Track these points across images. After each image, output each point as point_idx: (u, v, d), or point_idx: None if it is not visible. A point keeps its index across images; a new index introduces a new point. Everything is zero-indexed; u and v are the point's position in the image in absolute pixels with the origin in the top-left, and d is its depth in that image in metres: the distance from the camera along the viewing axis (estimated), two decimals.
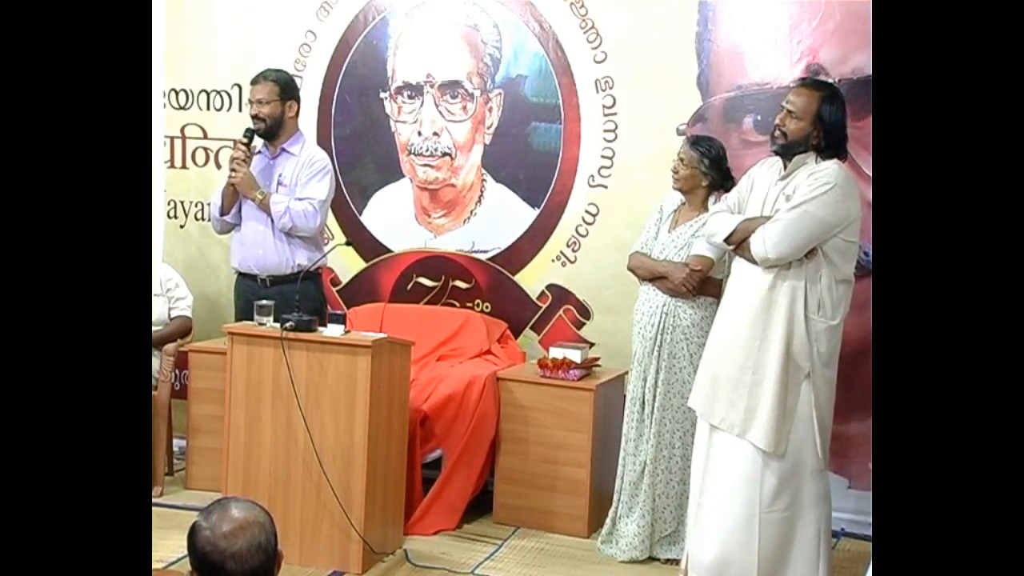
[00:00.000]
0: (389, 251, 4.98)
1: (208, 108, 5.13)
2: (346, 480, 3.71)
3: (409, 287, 4.94)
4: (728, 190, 3.81)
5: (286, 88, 4.32)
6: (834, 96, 3.42)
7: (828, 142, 3.39)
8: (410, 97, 4.89)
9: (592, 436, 4.16)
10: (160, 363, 4.53)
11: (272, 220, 4.25)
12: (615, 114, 4.55)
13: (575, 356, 4.25)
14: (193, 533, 1.92)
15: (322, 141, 4.85)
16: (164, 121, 5.04)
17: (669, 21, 4.43)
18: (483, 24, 4.76)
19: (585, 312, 4.68)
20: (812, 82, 3.58)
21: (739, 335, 3.40)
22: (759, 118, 4.28)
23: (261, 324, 3.88)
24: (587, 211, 4.63)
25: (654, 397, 3.92)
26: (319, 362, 3.74)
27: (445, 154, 4.86)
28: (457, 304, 4.86)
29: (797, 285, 3.34)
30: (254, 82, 4.33)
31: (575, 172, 4.64)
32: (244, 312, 4.26)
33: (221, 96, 5.10)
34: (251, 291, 4.31)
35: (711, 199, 3.95)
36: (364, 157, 5.00)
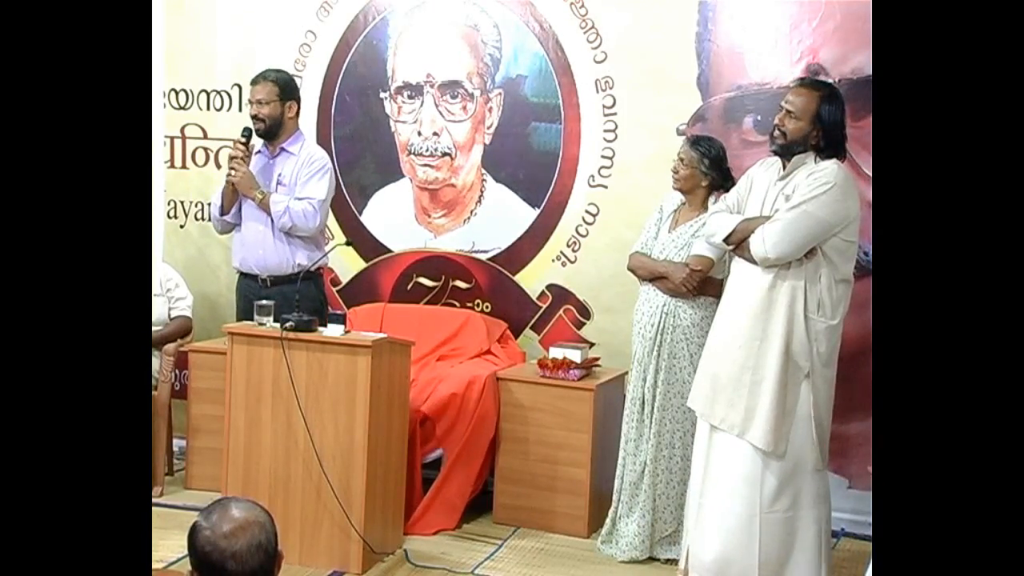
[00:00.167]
0: (389, 251, 4.98)
1: (208, 108, 5.13)
2: (346, 480, 3.71)
3: (409, 287, 4.94)
4: (728, 190, 3.81)
5: (286, 88, 4.32)
6: (833, 96, 3.42)
7: (827, 142, 3.39)
8: (410, 97, 4.89)
9: (592, 436, 4.16)
10: (160, 363, 4.53)
11: (272, 220, 4.25)
12: (615, 114, 4.55)
13: (575, 356, 4.25)
14: (193, 533, 1.92)
15: (322, 141, 4.85)
16: (164, 121, 5.04)
17: (669, 21, 4.43)
18: (483, 24, 4.76)
19: (585, 312, 4.68)
20: (811, 82, 3.58)
21: (739, 335, 3.40)
22: (759, 118, 4.28)
23: (261, 324, 3.88)
24: (587, 211, 4.63)
25: (654, 397, 3.92)
26: (319, 362, 3.74)
27: (445, 154, 4.86)
28: (457, 304, 4.86)
29: (797, 285, 3.34)
30: (254, 82, 4.33)
31: (575, 172, 4.64)
32: (245, 312, 4.26)
33: (221, 96, 5.10)
34: (252, 291, 4.31)
35: (711, 199, 3.95)
36: (364, 157, 5.00)
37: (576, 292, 4.69)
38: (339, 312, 4.05)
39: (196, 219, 5.18)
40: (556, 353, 4.29)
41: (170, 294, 4.77)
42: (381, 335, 3.86)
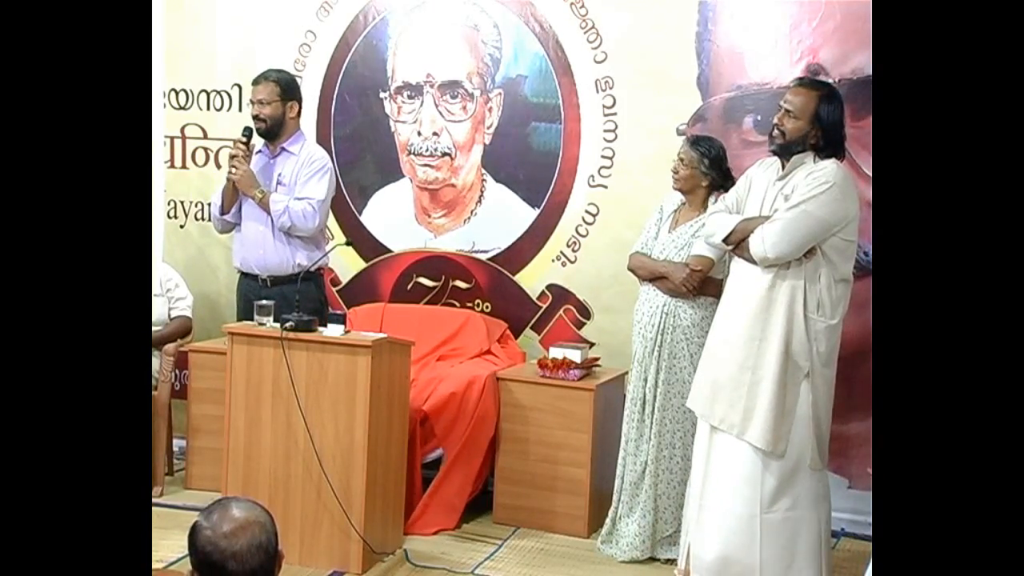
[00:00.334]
0: (389, 251, 4.98)
1: (208, 108, 5.13)
2: (346, 480, 3.71)
3: (409, 287, 4.94)
4: (728, 190, 3.81)
5: (287, 88, 4.32)
6: (832, 95, 3.42)
7: (826, 141, 3.39)
8: (410, 97, 4.89)
9: (592, 436, 4.16)
10: (160, 363, 4.53)
11: (272, 220, 4.25)
12: (615, 114, 4.55)
13: (575, 356, 4.25)
14: (194, 533, 1.92)
15: (322, 141, 4.85)
16: (164, 121, 5.04)
17: (669, 21, 4.43)
18: (483, 24, 4.76)
19: (585, 312, 4.68)
20: (810, 81, 3.58)
21: (738, 335, 3.40)
22: (759, 118, 4.28)
23: (261, 324, 3.88)
24: (587, 211, 4.63)
25: (654, 397, 3.92)
26: (319, 362, 3.74)
27: (445, 154, 4.86)
28: (457, 304, 4.87)
29: (796, 285, 3.34)
30: (255, 82, 4.33)
31: (575, 172, 4.64)
32: (245, 312, 4.26)
33: (221, 96, 5.10)
34: (252, 291, 4.31)
35: (711, 199, 3.95)
36: (364, 157, 5.00)
37: (576, 292, 4.69)
38: (339, 312, 4.05)
39: (196, 219, 5.18)
40: (556, 353, 4.29)
41: (170, 294, 4.77)
42: (381, 335, 3.86)
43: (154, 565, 2.88)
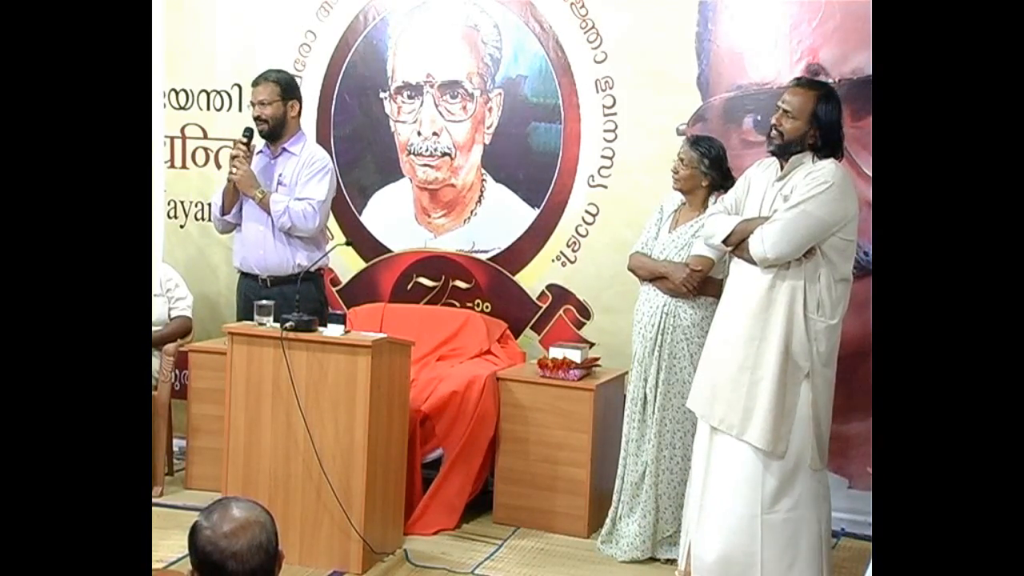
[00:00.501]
0: (389, 251, 4.98)
1: (208, 108, 5.13)
2: (346, 480, 3.71)
3: (409, 287, 4.94)
4: (728, 190, 3.81)
5: (287, 88, 4.32)
6: (829, 95, 3.42)
7: (824, 141, 3.39)
8: (410, 97, 4.89)
9: (592, 436, 4.16)
10: (160, 363, 4.53)
11: (273, 220, 4.25)
12: (615, 114, 4.55)
13: (575, 356, 4.25)
14: (194, 533, 1.92)
15: (322, 141, 4.85)
16: (164, 121, 5.04)
17: (669, 21, 4.43)
18: (483, 24, 4.76)
19: (585, 312, 4.68)
20: (807, 82, 3.58)
21: (738, 335, 3.40)
22: (759, 118, 4.27)
23: (261, 324, 3.88)
24: (587, 211, 4.63)
25: (655, 397, 3.92)
26: (319, 362, 3.74)
27: (445, 154, 4.86)
28: (457, 304, 4.87)
29: (796, 285, 3.34)
30: (255, 83, 4.33)
31: (575, 172, 4.64)
32: (246, 312, 4.26)
33: (221, 96, 5.10)
34: (252, 291, 4.31)
35: (711, 199, 3.95)
36: (364, 157, 5.00)
37: (576, 292, 4.69)
38: (339, 312, 4.05)
39: (196, 219, 5.18)
40: (556, 353, 4.29)
41: (170, 294, 4.77)
42: (381, 335, 3.86)
43: (154, 565, 2.88)
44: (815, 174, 3.34)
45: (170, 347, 4.59)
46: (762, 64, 4.33)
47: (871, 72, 4.00)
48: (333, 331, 3.75)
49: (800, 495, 3.40)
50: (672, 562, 3.89)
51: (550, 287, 4.74)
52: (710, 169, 3.92)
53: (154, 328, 4.49)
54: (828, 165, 3.37)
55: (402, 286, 4.94)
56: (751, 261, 3.39)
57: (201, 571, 1.91)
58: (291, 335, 3.74)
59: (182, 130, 5.16)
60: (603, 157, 4.59)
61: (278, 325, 3.79)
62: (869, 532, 3.76)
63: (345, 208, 4.96)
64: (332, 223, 4.80)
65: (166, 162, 5.13)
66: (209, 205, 4.88)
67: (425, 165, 4.90)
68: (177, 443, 4.79)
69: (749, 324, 3.38)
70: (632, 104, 4.52)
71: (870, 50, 3.83)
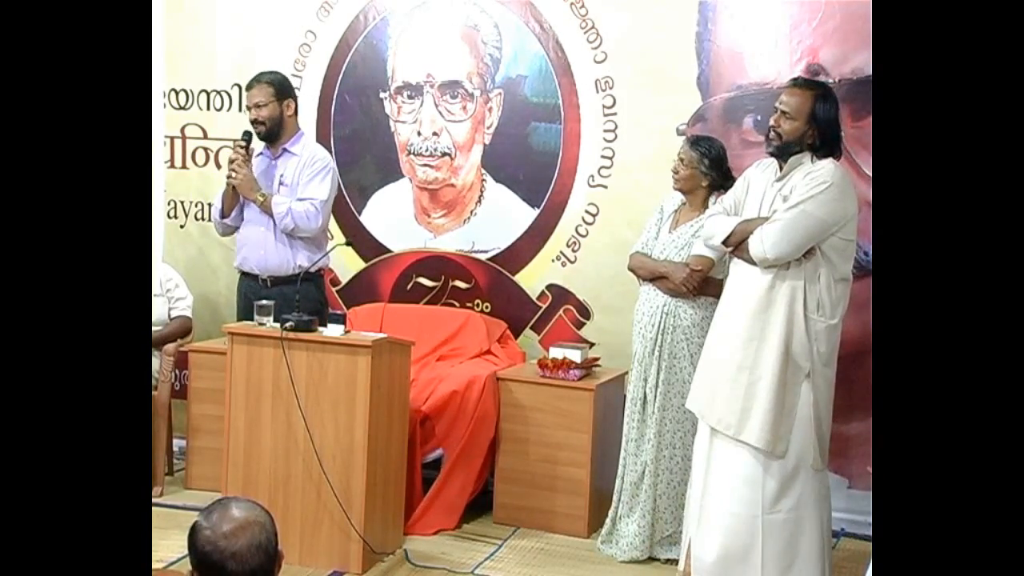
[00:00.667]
0: (389, 251, 4.98)
1: (208, 108, 5.13)
2: (346, 480, 3.71)
3: (409, 287, 4.94)
4: (729, 190, 3.81)
5: (281, 88, 4.32)
6: (827, 94, 3.42)
7: (823, 140, 3.39)
8: (410, 97, 4.89)
9: (592, 436, 4.16)
10: (160, 363, 4.53)
11: (274, 221, 4.26)
12: (615, 114, 4.55)
13: (575, 356, 4.25)
14: (193, 533, 1.92)
15: (322, 141, 4.85)
16: (164, 121, 5.04)
17: (669, 21, 4.43)
18: (483, 24, 4.76)
19: (585, 312, 4.68)
20: (804, 81, 3.58)
21: (737, 335, 3.40)
22: (759, 118, 4.27)
23: (261, 324, 3.88)
24: (587, 211, 4.63)
25: (655, 397, 3.92)
26: (319, 362, 3.74)
27: (445, 154, 4.86)
28: (457, 304, 4.86)
29: (796, 285, 3.34)
30: (249, 87, 4.34)
31: (575, 172, 4.64)
32: (246, 312, 4.26)
33: (221, 96, 5.10)
34: (253, 291, 4.31)
35: (712, 199, 3.95)
36: (364, 157, 5.00)
37: (576, 292, 4.69)
38: (339, 312, 4.05)
39: (196, 219, 5.18)
40: (556, 353, 4.29)
41: (170, 294, 4.77)
42: (381, 335, 3.86)
43: (154, 565, 2.88)
44: (814, 174, 3.34)
45: (170, 347, 4.59)
46: (762, 64, 4.33)
47: (871, 72, 3.99)
48: (333, 331, 3.76)
49: (801, 495, 3.40)
50: (672, 562, 3.89)
51: (550, 287, 4.74)
52: (710, 169, 3.92)
53: (154, 328, 4.49)
54: (827, 165, 3.37)
55: (402, 286, 4.94)
56: (751, 262, 3.39)
57: (200, 571, 1.91)
58: (291, 335, 3.74)
59: (182, 130, 5.17)
60: (603, 157, 4.59)
61: (278, 325, 3.79)
62: (869, 532, 3.76)
63: (345, 208, 4.96)
64: (332, 223, 4.80)
65: (166, 162, 5.13)
66: (209, 205, 4.88)
67: (425, 165, 4.90)
68: (177, 443, 4.79)
69: (749, 324, 3.38)
70: (632, 104, 4.52)
71: (870, 50, 3.83)
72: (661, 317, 3.92)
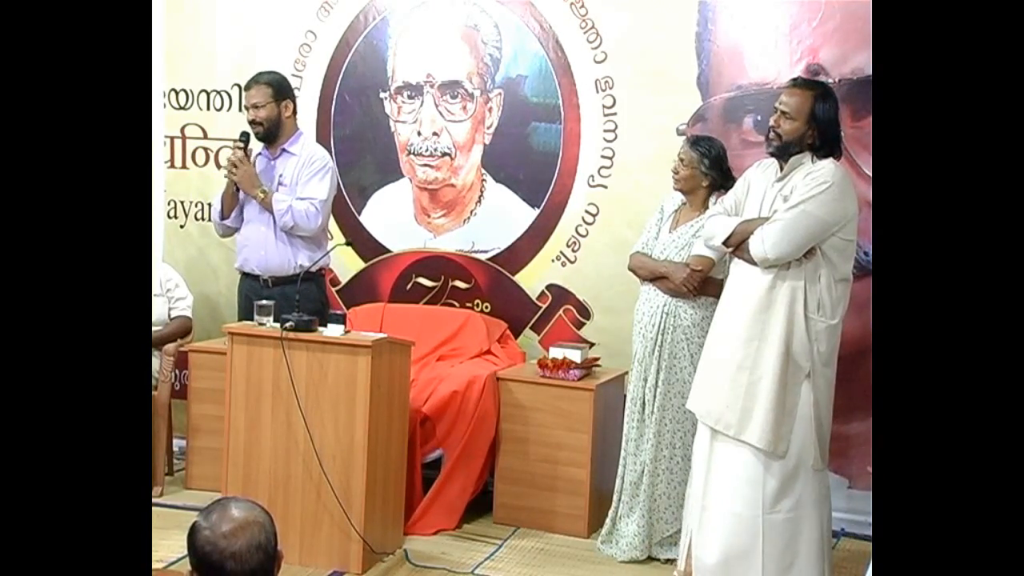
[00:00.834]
0: (388, 251, 4.98)
1: (208, 108, 5.13)
2: (346, 480, 3.71)
3: (408, 287, 4.93)
4: (729, 190, 3.81)
5: (279, 89, 4.32)
6: (826, 94, 3.42)
7: (823, 140, 3.39)
8: (410, 97, 4.89)
9: (592, 436, 4.16)
10: (160, 363, 4.53)
11: (275, 220, 4.26)
12: (615, 114, 4.55)
13: (575, 356, 4.25)
14: (193, 533, 1.92)
15: (322, 141, 4.84)
16: (164, 121, 5.04)
17: (669, 21, 4.43)
18: (483, 24, 4.76)
19: (585, 312, 4.68)
20: (803, 81, 3.58)
21: (738, 335, 3.40)
22: (759, 118, 4.27)
23: (261, 324, 3.88)
24: (587, 211, 4.63)
25: (655, 397, 3.92)
26: (319, 362, 3.74)
27: (445, 154, 4.86)
28: (457, 304, 4.86)
29: (796, 285, 3.34)
30: (247, 88, 4.35)
31: (575, 172, 4.64)
32: (246, 312, 4.26)
33: (221, 96, 5.10)
34: (254, 291, 4.31)
35: (712, 199, 3.95)
36: (364, 157, 5.00)
37: (576, 292, 4.69)
38: (339, 312, 4.05)
39: (196, 219, 5.18)
40: (556, 353, 4.29)
41: (170, 294, 4.77)
42: (381, 335, 3.86)
43: (154, 565, 2.88)
44: (815, 174, 3.34)
45: (170, 347, 4.59)
46: (762, 64, 4.33)
47: (871, 72, 3.99)
48: (333, 331, 3.75)
49: (801, 495, 3.40)
50: (671, 562, 3.89)
51: (550, 287, 4.73)
52: (710, 169, 3.92)
53: (154, 328, 4.49)
54: (827, 165, 3.37)
55: (401, 286, 4.94)
56: (751, 262, 3.39)
57: (200, 571, 1.90)
58: (291, 335, 3.74)
59: (182, 130, 5.16)
60: (603, 157, 4.59)
61: (278, 325, 3.79)
62: (869, 532, 3.76)
63: (345, 208, 4.96)
64: (332, 223, 4.80)
65: (166, 162, 5.13)
66: (209, 205, 4.88)
67: (425, 165, 4.90)
68: (177, 443, 4.79)
69: (749, 324, 3.38)
70: (632, 104, 4.51)
71: (870, 50, 3.83)
72: (661, 317, 3.92)
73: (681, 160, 3.95)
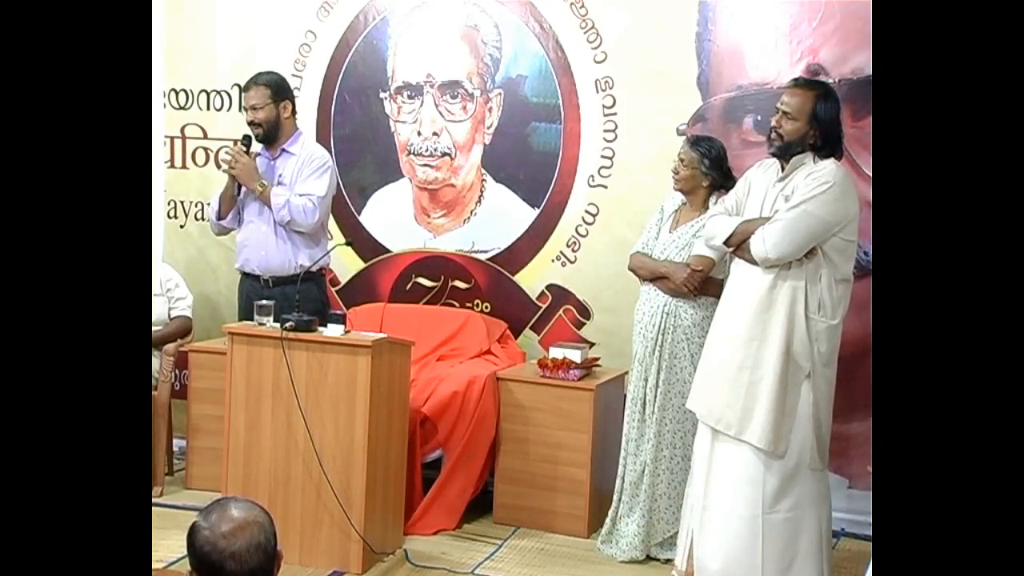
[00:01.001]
0: (388, 251, 4.98)
1: (208, 108, 5.13)
2: (346, 480, 3.71)
3: (408, 287, 4.93)
4: (729, 190, 3.81)
5: (278, 90, 4.32)
6: (828, 93, 3.42)
7: (824, 140, 3.39)
8: (410, 97, 4.89)
9: (592, 436, 4.16)
10: (160, 363, 4.53)
11: (275, 221, 4.26)
12: (615, 114, 4.55)
13: (575, 356, 4.25)
14: (192, 533, 1.91)
15: (322, 141, 4.85)
16: (164, 121, 5.04)
17: (669, 21, 4.43)
18: (483, 24, 4.76)
19: (585, 312, 4.68)
20: (805, 81, 3.58)
21: (738, 335, 3.40)
22: (759, 118, 4.27)
23: (261, 324, 3.88)
24: (587, 211, 4.63)
25: (655, 397, 3.92)
26: (319, 362, 3.74)
27: (445, 154, 4.86)
28: (457, 304, 4.86)
29: (797, 285, 3.34)
30: (246, 88, 4.35)
31: (575, 172, 4.64)
32: (247, 312, 4.26)
33: (221, 96, 5.10)
34: (254, 291, 4.31)
35: (712, 199, 3.95)
36: (364, 157, 5.00)
37: (576, 292, 4.69)
38: (339, 312, 4.05)
39: (196, 219, 5.18)
40: (556, 353, 4.29)
41: (170, 294, 4.77)
42: (381, 335, 3.86)
43: (154, 565, 2.88)
44: (816, 174, 3.34)
45: (170, 347, 4.59)
46: (762, 64, 4.33)
47: (871, 72, 3.99)
48: (333, 331, 3.75)
49: (801, 495, 3.40)
50: (671, 562, 3.88)
51: (550, 287, 4.73)
52: (710, 169, 3.92)
53: (154, 328, 4.49)
54: (829, 165, 3.37)
55: (401, 286, 4.94)
56: (753, 262, 3.39)
57: (199, 571, 1.90)
58: (291, 335, 3.74)
59: (182, 130, 5.17)
60: (603, 157, 4.58)
61: (278, 325, 3.79)
62: (869, 532, 3.76)
63: (345, 208, 4.96)
64: (332, 223, 4.80)
65: (166, 162, 5.13)
66: (208, 206, 4.87)
67: (425, 165, 4.90)
68: (177, 443, 4.79)
69: (750, 324, 3.38)
70: (632, 104, 4.51)
71: (870, 50, 3.83)
72: (662, 317, 3.92)
73: (681, 160, 3.95)
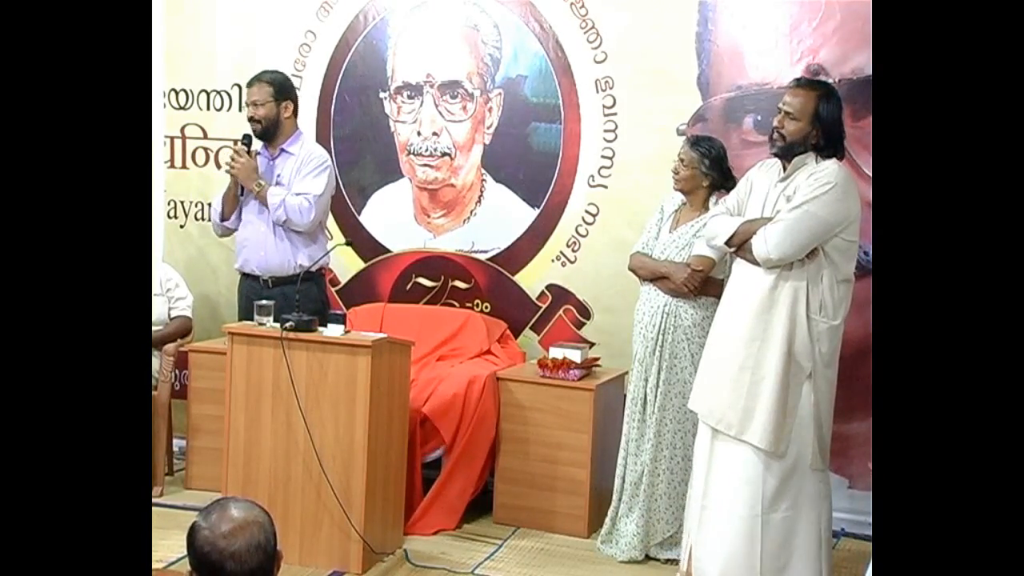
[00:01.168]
0: (388, 251, 4.98)
1: (208, 108, 5.13)
2: (346, 480, 3.71)
3: (408, 287, 4.93)
4: (729, 190, 3.81)
5: (281, 89, 4.32)
6: (830, 94, 3.42)
7: (827, 140, 3.39)
8: (410, 97, 4.89)
9: (592, 436, 4.16)
10: (160, 363, 4.53)
11: (269, 214, 4.26)
12: (615, 114, 4.55)
13: (575, 356, 4.25)
14: (192, 533, 1.92)
15: (322, 141, 4.85)
16: (164, 121, 5.04)
17: (669, 21, 4.43)
18: (483, 24, 4.76)
19: (585, 312, 4.68)
20: (807, 82, 3.58)
21: (739, 335, 3.40)
22: (759, 118, 4.28)
23: (261, 324, 3.88)
24: (587, 211, 4.63)
25: (655, 397, 3.92)
26: (319, 362, 3.74)
27: (445, 154, 4.86)
28: (457, 304, 4.86)
29: (799, 286, 3.34)
30: (249, 84, 4.35)
31: (575, 172, 4.64)
32: (247, 312, 4.26)
33: (221, 96, 5.10)
34: (254, 292, 4.31)
35: (712, 199, 3.95)
36: (363, 157, 5.00)
37: (576, 292, 4.69)
38: (339, 312, 4.05)
39: (196, 219, 5.18)
40: (556, 353, 4.29)
41: (170, 294, 4.77)
42: (381, 335, 3.86)
43: (154, 565, 2.88)
44: (818, 175, 3.34)
45: (170, 347, 4.59)
46: (762, 64, 4.33)
47: (871, 72, 3.99)
48: (333, 331, 3.75)
49: (800, 495, 3.40)
50: (672, 562, 3.89)
51: (550, 287, 4.73)
52: (710, 169, 3.92)
53: (154, 328, 4.49)
54: (831, 166, 3.37)
55: (401, 286, 4.94)
56: (754, 262, 3.39)
57: (199, 572, 1.90)
58: (291, 335, 3.74)
59: (182, 130, 5.17)
60: (603, 157, 4.59)
61: (278, 325, 3.79)
62: (869, 532, 3.76)
63: (345, 208, 4.96)
64: (332, 223, 4.80)
65: (166, 162, 5.13)
66: (209, 205, 4.88)
67: (425, 165, 4.90)
68: (177, 443, 4.79)
69: (751, 324, 3.38)
70: (632, 104, 4.51)
71: (870, 50, 3.83)
72: (662, 317, 3.92)
73: (681, 160, 3.95)
